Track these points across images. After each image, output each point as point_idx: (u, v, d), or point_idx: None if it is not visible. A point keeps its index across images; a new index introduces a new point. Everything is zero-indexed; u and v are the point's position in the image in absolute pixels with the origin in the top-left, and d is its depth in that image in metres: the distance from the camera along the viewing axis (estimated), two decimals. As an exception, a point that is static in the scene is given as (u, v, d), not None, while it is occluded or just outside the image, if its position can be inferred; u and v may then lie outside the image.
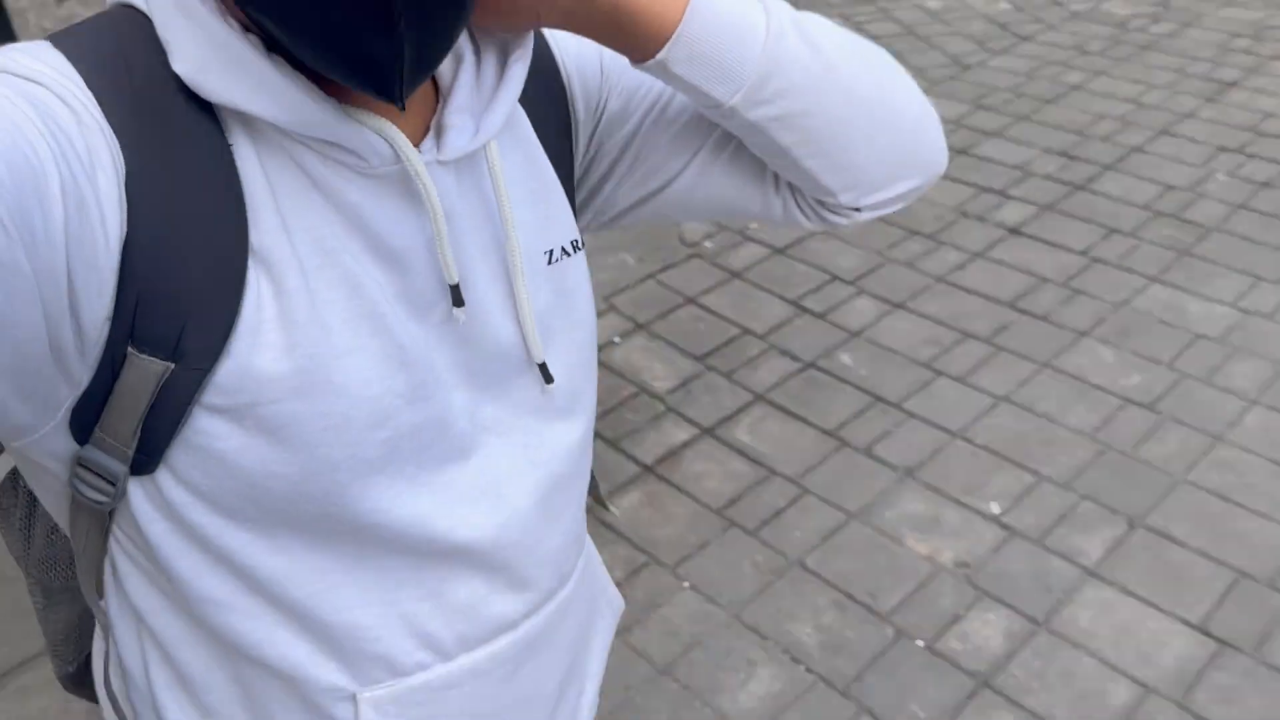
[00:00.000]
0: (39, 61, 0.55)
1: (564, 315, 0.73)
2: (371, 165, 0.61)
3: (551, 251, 0.72)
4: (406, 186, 0.63)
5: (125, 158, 0.55)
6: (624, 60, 0.70)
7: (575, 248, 0.74)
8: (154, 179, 0.56)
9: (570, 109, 0.77)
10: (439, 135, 0.64)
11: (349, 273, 0.61)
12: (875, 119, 0.73)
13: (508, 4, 0.64)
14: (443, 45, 0.57)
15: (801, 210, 0.79)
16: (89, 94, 0.55)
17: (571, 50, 0.77)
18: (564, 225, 0.74)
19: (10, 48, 0.56)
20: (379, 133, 0.60)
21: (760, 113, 0.69)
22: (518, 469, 0.72)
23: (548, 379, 0.71)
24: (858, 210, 0.78)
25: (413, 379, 0.64)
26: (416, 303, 0.64)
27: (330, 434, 0.61)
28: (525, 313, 0.69)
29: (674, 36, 0.65)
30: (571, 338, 0.74)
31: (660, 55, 0.66)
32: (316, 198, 0.61)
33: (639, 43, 0.66)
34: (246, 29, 0.57)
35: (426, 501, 0.67)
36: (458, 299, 0.65)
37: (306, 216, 0.60)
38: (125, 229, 0.55)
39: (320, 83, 0.59)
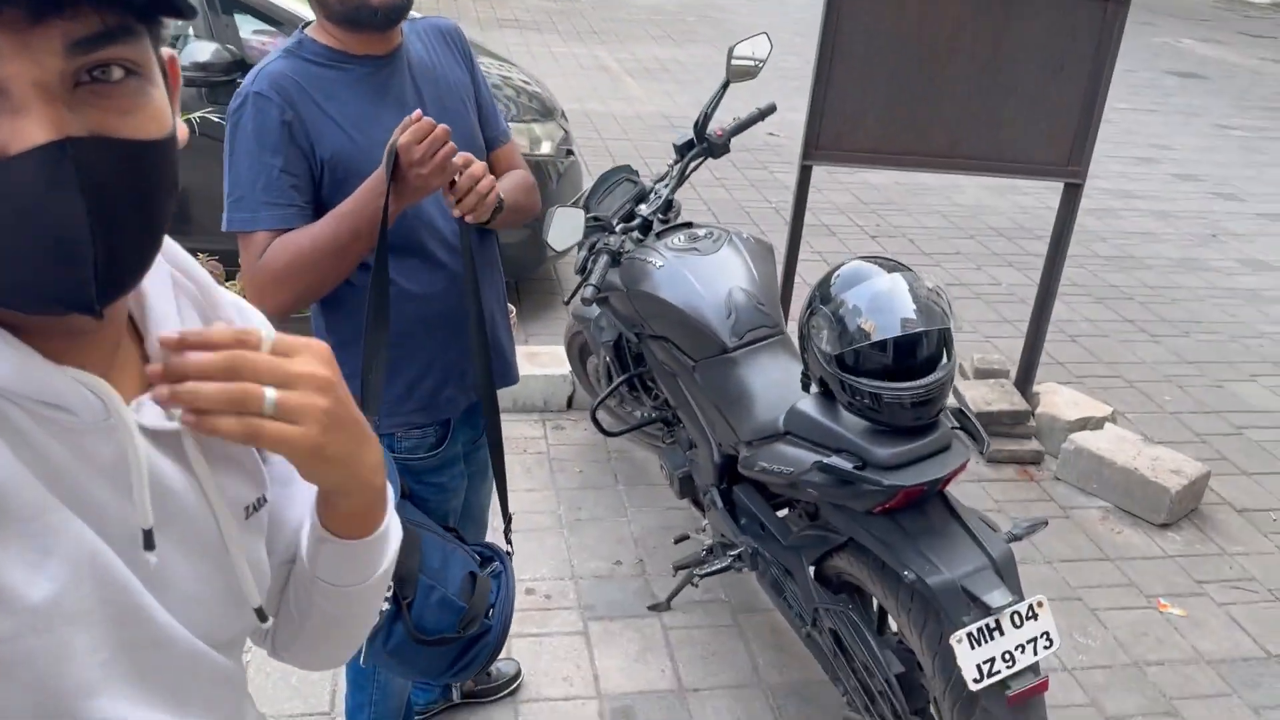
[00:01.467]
0: None
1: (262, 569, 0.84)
2: (81, 420, 0.66)
3: (248, 507, 0.81)
4: (112, 440, 0.68)
5: None
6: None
7: (259, 505, 0.83)
8: None
9: None
10: (140, 405, 0.71)
11: (60, 522, 0.66)
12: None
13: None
14: (134, 265, 0.65)
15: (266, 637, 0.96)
16: None
17: None
18: (253, 483, 0.83)
19: None
20: (92, 389, 0.66)
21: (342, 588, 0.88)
22: None
23: (262, 618, 0.82)
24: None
25: (120, 611, 0.70)
26: (121, 545, 0.70)
27: (57, 664, 0.66)
28: (242, 568, 0.79)
29: (375, 535, 0.86)
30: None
31: (363, 539, 0.85)
32: (29, 452, 0.64)
33: (357, 524, 0.84)
34: None
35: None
36: (149, 543, 0.71)
37: (20, 471, 0.64)
38: None
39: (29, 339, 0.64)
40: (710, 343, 2.47)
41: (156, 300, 0.76)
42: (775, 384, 2.36)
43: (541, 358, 3.81)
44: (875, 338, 1.95)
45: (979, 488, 3.59)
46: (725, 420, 2.45)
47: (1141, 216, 6.67)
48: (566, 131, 4.70)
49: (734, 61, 2.78)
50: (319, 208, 1.64)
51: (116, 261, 0.62)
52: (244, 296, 1.10)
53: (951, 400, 2.07)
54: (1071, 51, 3.42)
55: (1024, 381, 3.93)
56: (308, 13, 1.77)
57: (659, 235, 2.72)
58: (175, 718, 0.75)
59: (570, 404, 3.78)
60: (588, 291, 2.49)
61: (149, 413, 0.70)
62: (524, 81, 4.84)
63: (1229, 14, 16.75)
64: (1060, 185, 3.69)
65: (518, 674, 2.59)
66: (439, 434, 1.90)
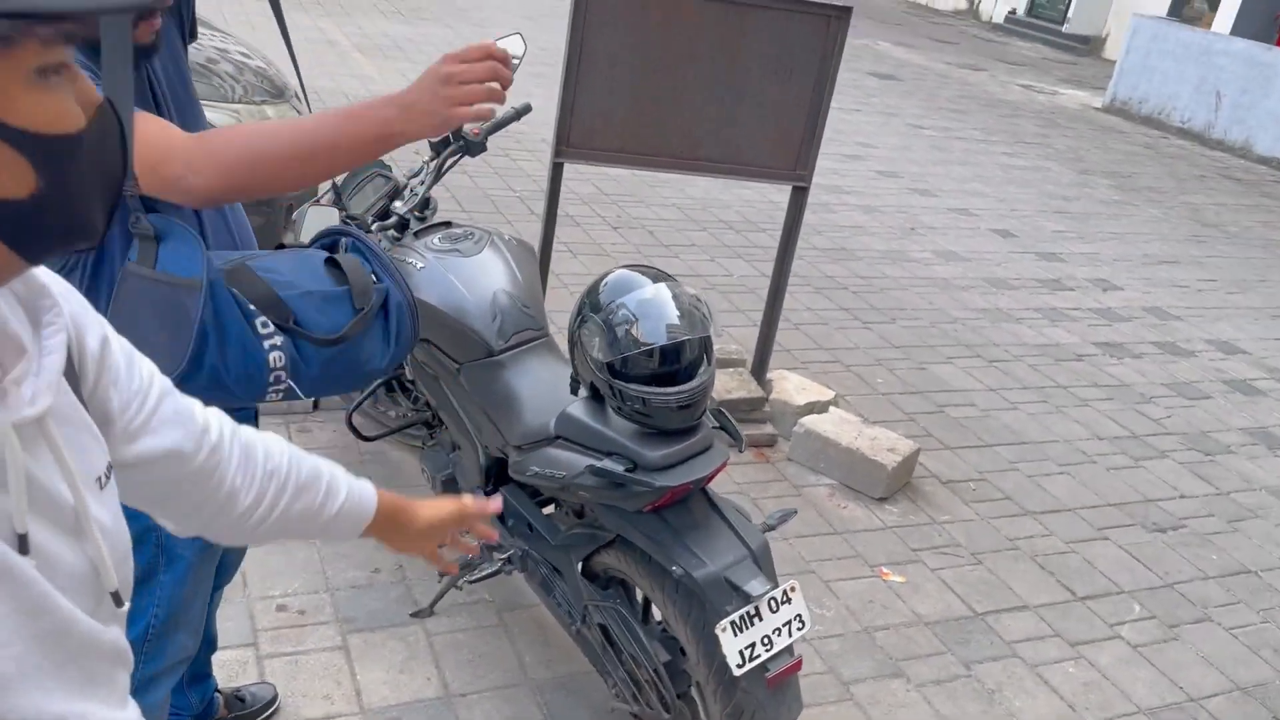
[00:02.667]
0: None
1: (120, 537, 0.86)
2: None
3: (100, 478, 0.84)
4: None
5: None
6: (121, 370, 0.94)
7: (109, 472, 0.86)
8: None
9: (81, 381, 0.90)
10: (2, 394, 0.74)
11: None
12: None
13: None
14: None
15: None
16: None
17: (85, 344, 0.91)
18: (100, 453, 0.86)
19: None
20: None
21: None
22: None
23: (118, 603, 0.84)
24: None
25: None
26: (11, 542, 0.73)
27: None
28: (100, 551, 0.81)
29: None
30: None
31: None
32: None
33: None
34: None
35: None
36: (23, 548, 0.73)
37: None
38: None
39: None
40: (475, 346, 2.47)
41: None
42: (543, 387, 2.39)
43: (284, 357, 3.63)
44: (644, 344, 2.03)
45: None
46: (492, 423, 2.46)
47: (851, 211, 7.24)
48: (300, 113, 4.48)
49: (489, 61, 2.76)
50: None
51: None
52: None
53: (711, 402, 2.19)
54: (798, 61, 3.66)
55: (759, 369, 4.19)
56: None
57: (417, 234, 2.67)
58: (86, 702, 0.79)
59: (316, 405, 3.63)
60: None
61: (12, 404, 0.73)
62: (245, 56, 4.55)
63: (917, 19, 18.41)
64: (788, 187, 3.95)
65: (274, 698, 2.48)
66: None
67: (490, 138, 2.83)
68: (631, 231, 6.05)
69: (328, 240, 1.76)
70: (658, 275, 2.14)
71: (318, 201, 2.93)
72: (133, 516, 1.69)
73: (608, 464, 2.07)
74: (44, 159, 0.67)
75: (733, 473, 3.80)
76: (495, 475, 2.58)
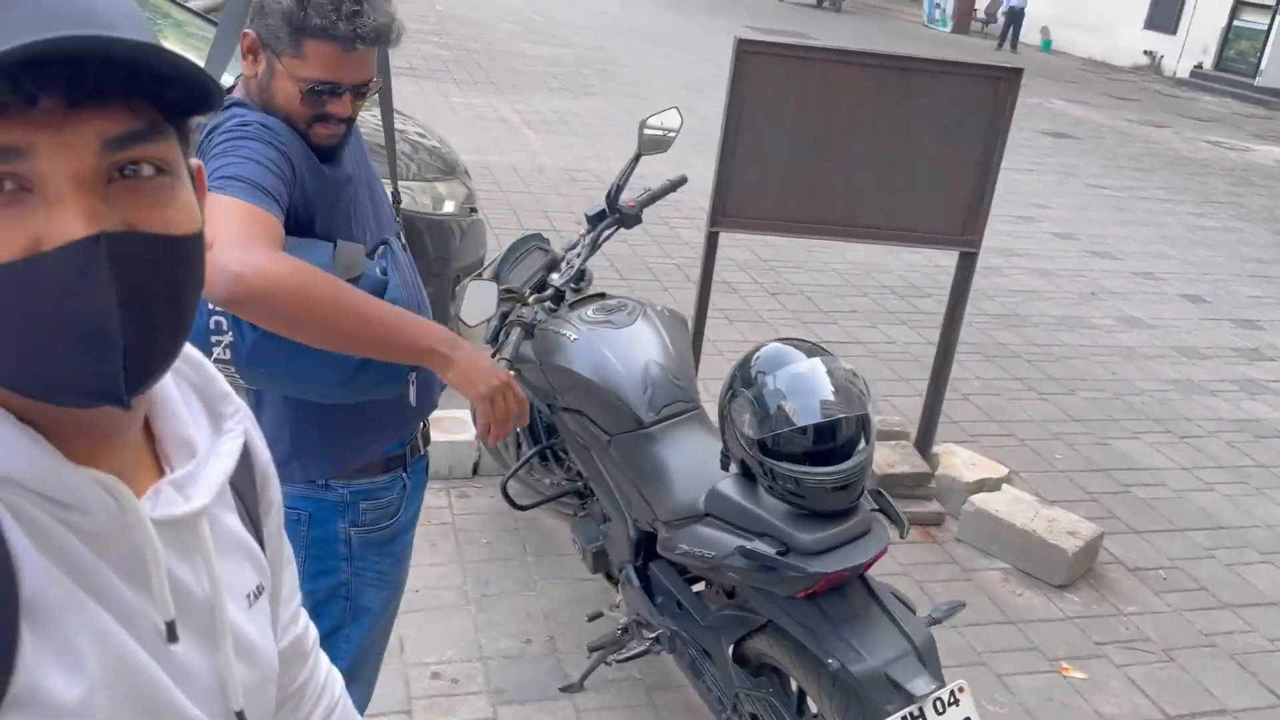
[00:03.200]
0: None
1: (265, 658, 0.83)
2: (96, 519, 0.66)
3: (249, 595, 0.82)
4: (126, 538, 0.69)
5: None
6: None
7: (260, 592, 0.84)
8: None
9: (260, 500, 0.90)
10: (156, 492, 0.72)
11: (91, 620, 0.66)
12: None
13: None
14: (163, 356, 0.66)
15: None
16: None
17: (262, 455, 0.90)
18: (253, 572, 0.84)
19: None
20: (106, 487, 0.66)
21: None
22: None
23: None
24: None
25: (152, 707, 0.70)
26: (145, 639, 0.70)
27: None
28: (229, 664, 0.77)
29: None
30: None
31: None
32: (58, 553, 0.65)
33: None
34: None
35: None
36: (172, 636, 0.71)
37: (53, 572, 0.64)
38: None
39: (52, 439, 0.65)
40: (626, 418, 2.44)
41: (163, 386, 0.77)
42: (693, 462, 2.34)
43: (445, 423, 3.71)
44: (796, 422, 1.95)
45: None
46: (642, 497, 2.42)
47: (1024, 275, 6.94)
48: (470, 189, 4.65)
49: (646, 133, 2.78)
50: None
51: (145, 353, 0.64)
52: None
53: (870, 482, 2.08)
54: (966, 126, 3.54)
55: (924, 443, 4.00)
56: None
57: (572, 306, 2.68)
58: None
59: (476, 471, 3.69)
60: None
61: (164, 502, 0.72)
62: (420, 135, 4.76)
63: (1094, 76, 17.76)
64: (956, 253, 3.80)
65: (426, 766, 2.47)
66: (399, 499, 1.84)
67: (645, 209, 2.84)
68: (789, 298, 5.97)
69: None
70: (813, 349, 2.07)
71: (479, 275, 2.99)
72: (323, 573, 1.74)
73: (758, 546, 1.98)
74: None
75: (896, 552, 3.62)
76: (645, 550, 2.53)
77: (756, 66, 3.39)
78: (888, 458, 3.91)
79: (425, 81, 10.71)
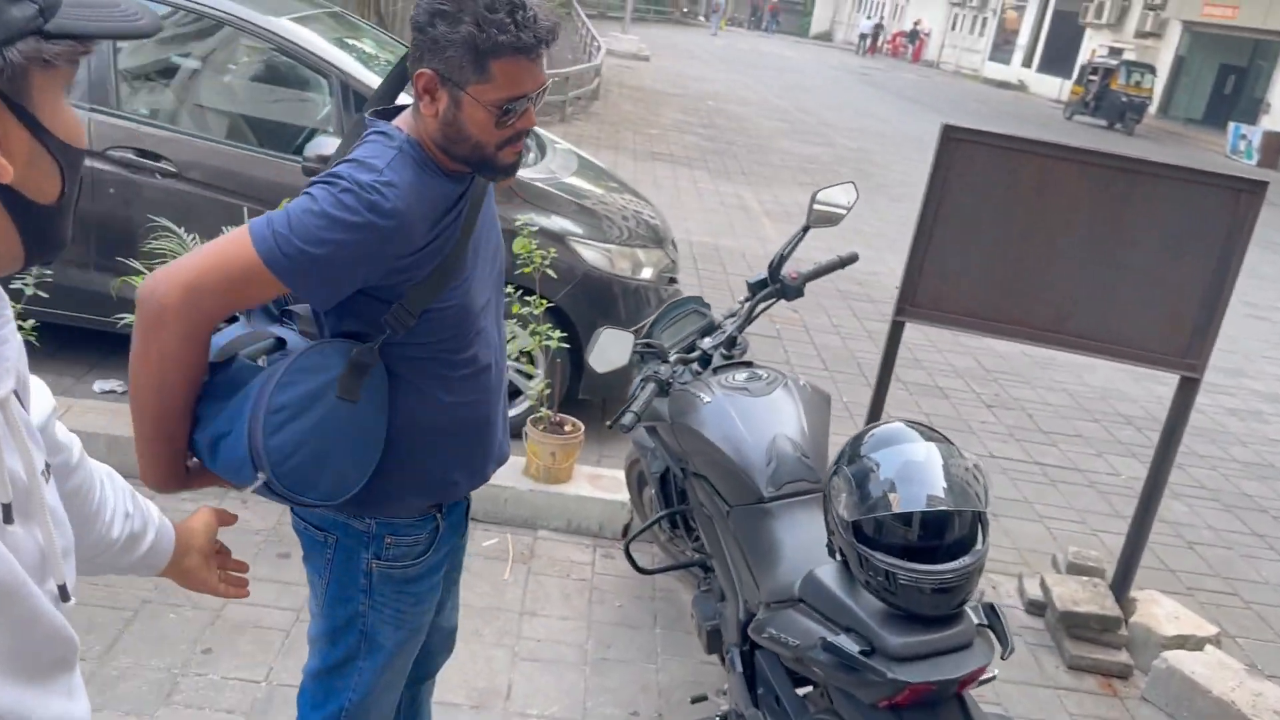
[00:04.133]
0: None
1: (65, 530, 0.85)
2: None
3: (43, 472, 0.84)
4: None
5: None
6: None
7: (48, 469, 0.87)
8: None
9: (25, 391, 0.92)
10: None
11: None
12: None
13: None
14: None
15: None
16: None
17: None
18: (39, 449, 0.86)
19: None
20: None
21: None
22: None
23: (64, 597, 0.83)
24: None
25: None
26: None
27: None
28: (51, 538, 0.81)
29: None
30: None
31: None
32: None
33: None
34: None
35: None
36: (8, 517, 0.75)
37: None
38: None
39: None
40: (747, 489, 2.33)
41: None
42: (805, 544, 2.19)
43: (604, 481, 3.70)
44: (897, 509, 1.78)
45: (1054, 695, 3.24)
46: (751, 575, 2.29)
47: (1291, 425, 6.16)
48: (673, 260, 4.69)
49: (817, 206, 2.70)
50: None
51: None
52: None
53: (985, 593, 1.86)
54: (1197, 238, 3.20)
55: (1120, 584, 3.58)
56: None
57: (715, 371, 2.62)
58: (48, 695, 0.79)
59: (625, 532, 3.64)
60: (626, 418, 2.38)
61: None
62: (639, 209, 4.88)
63: None
64: (1175, 377, 3.42)
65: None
66: (429, 540, 1.80)
67: (809, 284, 2.74)
68: (1007, 412, 5.58)
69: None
70: (932, 434, 1.89)
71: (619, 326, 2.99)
72: (342, 601, 1.75)
73: (842, 641, 1.81)
74: (69, 169, 0.76)
75: (1067, 700, 3.24)
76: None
77: (963, 154, 3.23)
78: (1075, 594, 3.53)
79: (680, 168, 11.06)
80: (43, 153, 0.74)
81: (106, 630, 2.76)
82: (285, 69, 4.48)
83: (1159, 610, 3.56)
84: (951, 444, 1.88)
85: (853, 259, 2.78)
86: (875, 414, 3.46)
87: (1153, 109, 27.08)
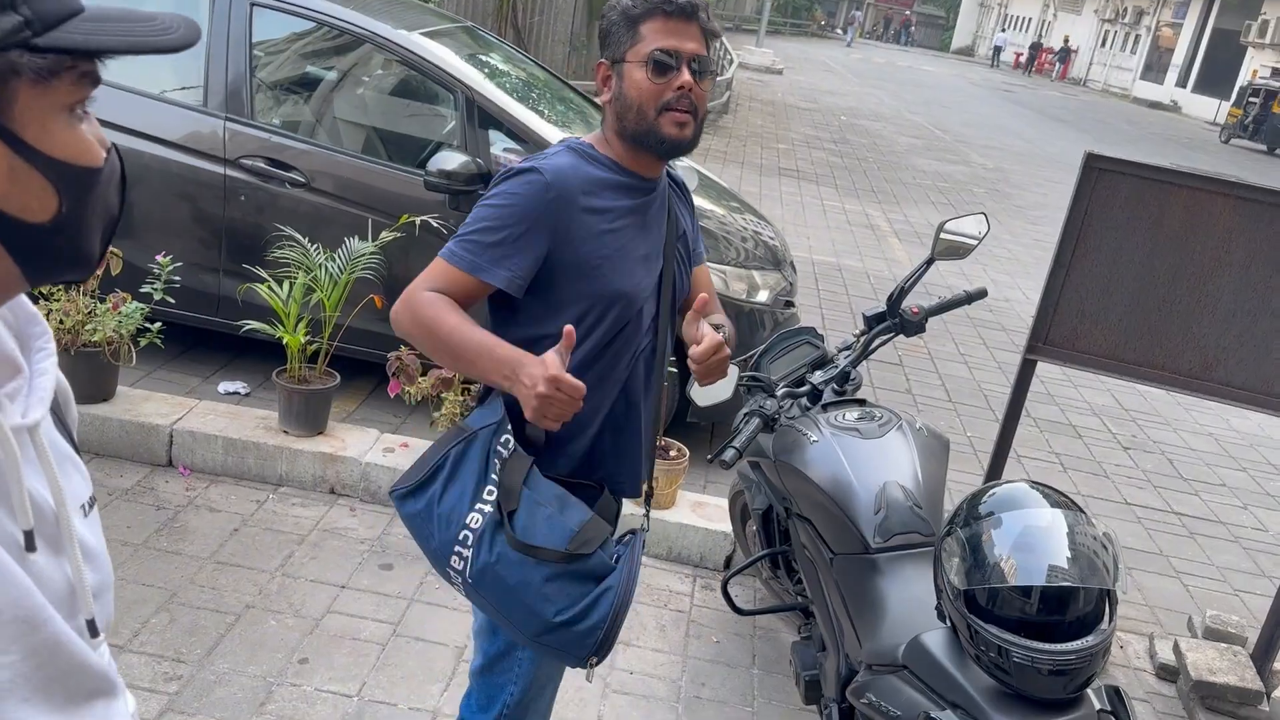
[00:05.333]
0: None
1: (103, 567, 0.84)
2: None
3: (84, 505, 0.85)
4: None
5: None
6: None
7: (92, 504, 0.87)
8: None
9: (66, 415, 0.93)
10: None
11: None
12: None
13: None
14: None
15: None
16: None
17: (62, 377, 0.92)
18: (83, 482, 0.87)
19: None
20: None
21: None
22: None
23: (93, 632, 0.82)
24: None
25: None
26: (9, 549, 0.73)
27: None
28: (79, 570, 0.80)
29: None
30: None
31: None
32: None
33: None
34: None
35: None
36: (30, 545, 0.74)
37: None
38: None
39: None
40: (852, 537, 2.20)
41: None
42: (912, 603, 2.05)
43: (707, 509, 3.60)
44: (1013, 581, 1.63)
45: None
46: (854, 630, 2.16)
47: None
48: (791, 283, 4.56)
49: (944, 236, 2.56)
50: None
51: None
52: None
53: (1109, 671, 1.69)
54: (1369, 283, 2.91)
55: (1263, 655, 3.28)
56: (554, 135, 1.89)
57: (825, 408, 2.49)
58: None
59: (727, 565, 3.53)
60: (727, 454, 2.28)
61: (12, 411, 0.76)
62: (758, 230, 4.77)
63: None
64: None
65: None
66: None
67: (932, 319, 2.59)
68: (1146, 455, 5.24)
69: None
70: (1060, 500, 1.74)
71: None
72: None
73: (947, 717, 1.67)
74: (67, 187, 0.72)
75: (1199, 777, 2.98)
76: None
77: (1107, 185, 3.03)
78: (1213, 662, 3.26)
79: (806, 183, 10.87)
80: (28, 169, 0.71)
81: (208, 634, 2.80)
82: (415, 83, 4.55)
83: (1308, 687, 3.25)
84: (1081, 511, 1.72)
85: (981, 294, 2.62)
86: (1001, 454, 3.27)
87: (1319, 134, 25.39)
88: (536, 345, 1.67)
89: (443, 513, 1.66)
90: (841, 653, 2.27)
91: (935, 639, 1.82)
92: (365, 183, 3.98)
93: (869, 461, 2.27)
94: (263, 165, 3.93)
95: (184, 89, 4.05)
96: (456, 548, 1.66)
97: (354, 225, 3.83)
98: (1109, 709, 1.68)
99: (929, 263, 2.57)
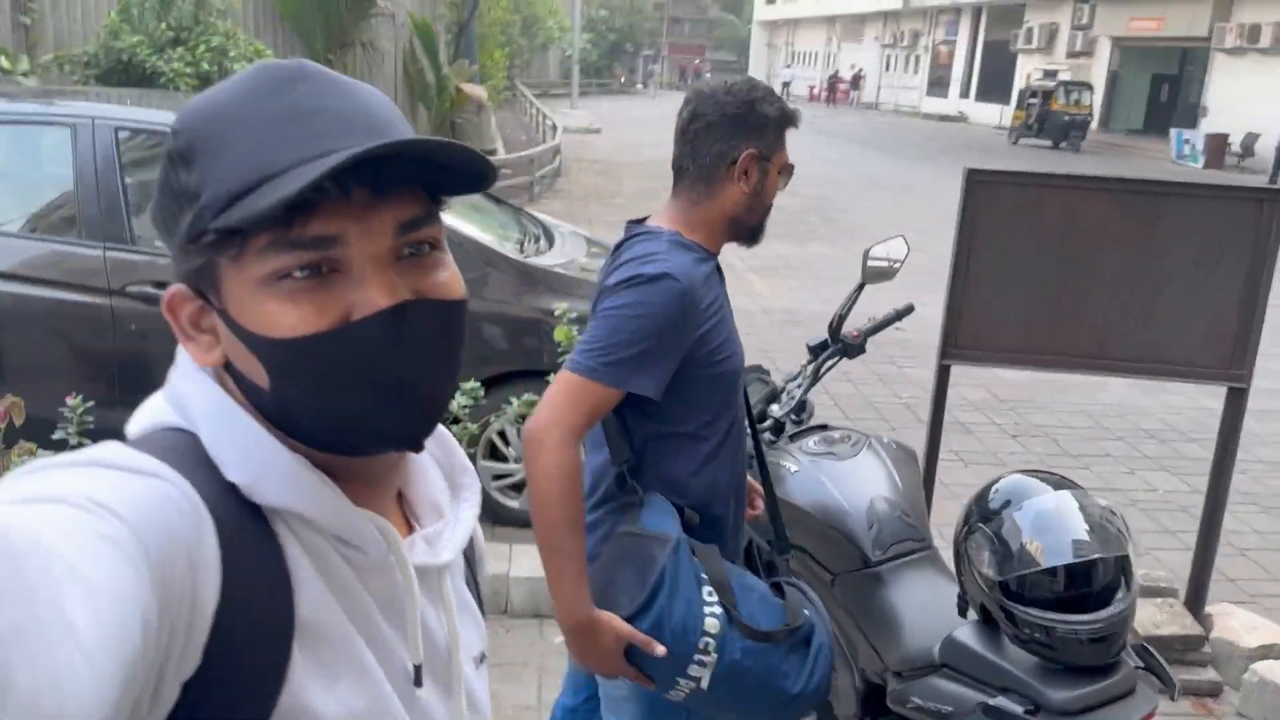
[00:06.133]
0: (143, 457, 0.64)
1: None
2: (368, 557, 0.74)
3: (475, 659, 0.87)
4: (389, 578, 0.76)
5: (220, 549, 0.65)
6: None
7: (483, 659, 0.89)
8: (230, 563, 0.65)
9: (478, 570, 0.96)
10: (411, 543, 0.80)
11: (354, 649, 0.72)
12: None
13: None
14: (447, 402, 0.77)
15: None
16: (190, 487, 0.65)
17: (479, 533, 0.96)
18: (479, 636, 0.89)
19: (109, 447, 0.65)
20: (381, 530, 0.75)
21: None
22: None
23: None
24: None
25: None
26: (395, 680, 0.75)
27: None
28: (462, 714, 0.82)
29: None
30: None
31: None
32: (334, 583, 0.72)
33: None
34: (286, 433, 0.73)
35: None
36: (418, 680, 0.76)
37: (329, 600, 0.71)
38: (215, 609, 0.64)
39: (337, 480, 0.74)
40: (851, 556, 2.29)
41: (415, 457, 0.85)
42: (926, 606, 2.15)
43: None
44: (1044, 563, 1.75)
45: (1152, 723, 3.19)
46: (870, 644, 2.24)
47: (1306, 417, 6.22)
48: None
49: (870, 263, 2.71)
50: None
51: (435, 401, 0.75)
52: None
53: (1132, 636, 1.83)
54: (1227, 249, 3.25)
55: (1195, 602, 3.55)
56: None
57: (792, 438, 2.59)
58: None
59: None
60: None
61: (418, 552, 0.79)
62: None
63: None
64: (1222, 390, 3.44)
65: None
66: None
67: (870, 340, 2.74)
68: (1033, 440, 5.59)
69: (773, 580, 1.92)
70: (1060, 481, 1.88)
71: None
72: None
73: (1003, 703, 1.77)
74: (269, 358, 0.71)
75: (1166, 725, 3.19)
76: (873, 704, 2.33)
77: (989, 195, 3.28)
78: (1153, 617, 3.50)
79: (656, 232, 11.13)
80: (237, 341, 0.72)
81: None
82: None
83: (1235, 622, 3.53)
84: (1079, 487, 1.87)
85: (909, 310, 2.78)
86: (932, 458, 3.45)
87: (1094, 125, 27.76)
88: (670, 441, 1.75)
89: (676, 627, 1.64)
90: (855, 669, 2.35)
91: (969, 633, 1.92)
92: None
93: (851, 481, 2.37)
94: (150, 290, 3.79)
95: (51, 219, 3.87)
96: (697, 656, 1.65)
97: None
98: (1142, 664, 1.81)
99: (860, 288, 2.72)
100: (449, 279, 0.74)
